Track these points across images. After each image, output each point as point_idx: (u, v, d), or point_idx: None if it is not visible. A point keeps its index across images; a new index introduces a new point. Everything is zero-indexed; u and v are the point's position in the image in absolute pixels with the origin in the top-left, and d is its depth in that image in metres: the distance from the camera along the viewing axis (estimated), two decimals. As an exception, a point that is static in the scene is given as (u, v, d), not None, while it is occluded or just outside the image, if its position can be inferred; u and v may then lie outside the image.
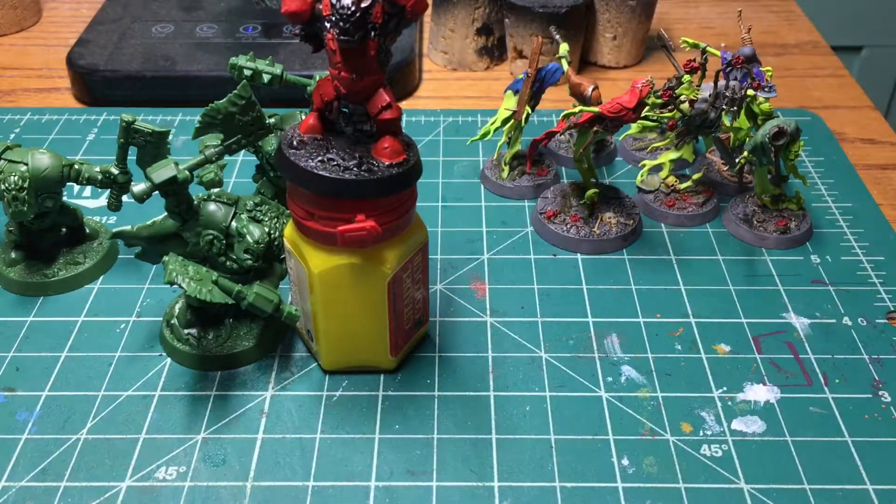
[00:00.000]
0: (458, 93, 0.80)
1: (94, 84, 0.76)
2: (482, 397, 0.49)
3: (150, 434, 0.47)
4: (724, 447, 0.47)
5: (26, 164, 0.52)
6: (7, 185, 0.51)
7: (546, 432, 0.47)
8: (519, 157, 0.67)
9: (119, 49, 0.78)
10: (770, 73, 0.60)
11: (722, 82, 0.57)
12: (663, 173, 0.62)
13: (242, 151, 0.57)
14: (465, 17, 0.80)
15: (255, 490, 0.45)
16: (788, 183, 0.64)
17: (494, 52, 0.83)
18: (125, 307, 0.55)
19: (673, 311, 0.55)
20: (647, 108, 0.57)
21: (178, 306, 0.53)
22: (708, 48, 0.58)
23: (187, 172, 0.45)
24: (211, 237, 0.48)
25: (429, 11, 0.82)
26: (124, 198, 0.55)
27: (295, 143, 0.44)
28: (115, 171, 0.53)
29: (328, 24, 0.41)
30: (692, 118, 0.58)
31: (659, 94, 0.57)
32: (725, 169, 0.66)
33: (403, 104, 0.78)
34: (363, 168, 0.43)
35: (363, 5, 0.40)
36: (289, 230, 0.48)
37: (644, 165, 0.62)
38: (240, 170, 0.68)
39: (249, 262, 0.48)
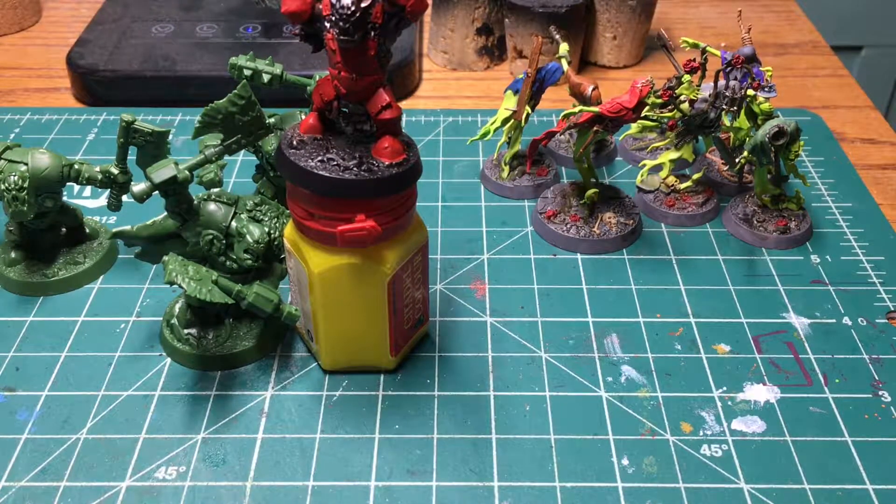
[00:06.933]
0: (458, 93, 0.80)
1: (94, 84, 0.76)
2: (482, 397, 0.49)
3: (150, 434, 0.47)
4: (724, 447, 0.47)
5: (26, 164, 0.52)
6: (7, 185, 0.51)
7: (546, 432, 0.47)
8: (519, 157, 0.67)
9: (119, 49, 0.78)
10: (770, 73, 0.60)
11: (722, 82, 0.57)
12: (663, 173, 0.62)
13: (242, 151, 0.57)
14: (465, 17, 0.80)
15: (254, 490, 0.45)
16: (788, 183, 0.64)
17: (494, 52, 0.83)
18: (125, 307, 0.55)
19: (673, 311, 0.55)
20: (647, 108, 0.57)
21: (178, 306, 0.53)
22: (708, 48, 0.58)
23: (187, 172, 0.45)
24: (211, 237, 0.48)
25: (429, 11, 0.82)
26: (124, 198, 0.55)
27: (295, 143, 0.44)
28: (115, 171, 0.53)
29: (328, 24, 0.41)
30: (692, 118, 0.58)
31: (659, 94, 0.57)
32: (725, 169, 0.66)
33: (403, 104, 0.78)
34: (363, 168, 0.43)
35: (363, 5, 0.40)
36: (289, 230, 0.48)
37: (644, 165, 0.63)
38: (240, 170, 0.68)
39: (249, 262, 0.48)
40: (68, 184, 0.54)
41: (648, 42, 0.85)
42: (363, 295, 0.47)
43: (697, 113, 0.58)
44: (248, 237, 0.48)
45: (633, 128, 0.61)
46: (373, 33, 0.41)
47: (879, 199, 0.65)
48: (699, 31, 0.90)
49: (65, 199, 0.56)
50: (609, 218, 0.61)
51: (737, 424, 0.48)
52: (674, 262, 0.59)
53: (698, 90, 0.58)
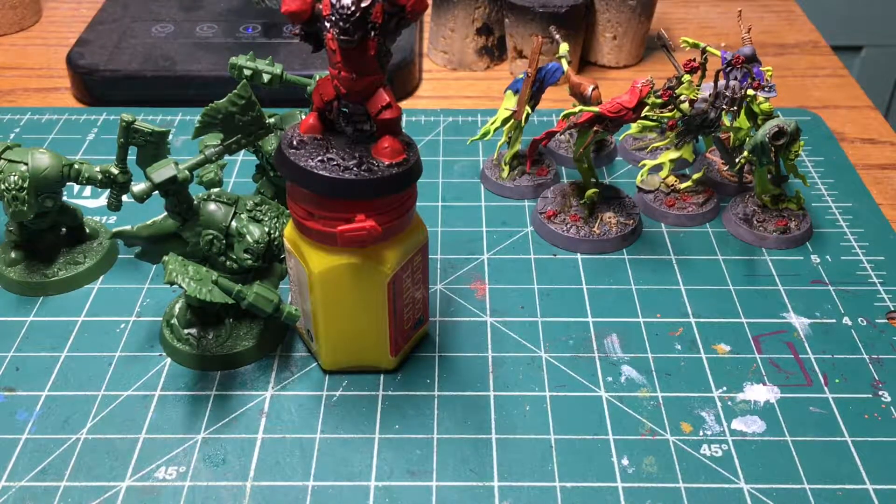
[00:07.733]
0: (458, 93, 0.80)
1: (94, 84, 0.76)
2: (482, 397, 0.49)
3: (150, 434, 0.47)
4: (724, 447, 0.47)
5: (26, 164, 0.52)
6: (7, 184, 0.51)
7: (546, 432, 0.47)
8: (519, 157, 0.67)
9: (119, 49, 0.78)
10: (770, 73, 0.60)
11: (722, 82, 0.57)
12: (663, 173, 0.62)
13: (242, 151, 0.57)
14: (465, 17, 0.80)
15: (254, 490, 0.45)
16: (788, 183, 0.64)
17: (494, 52, 0.83)
18: (125, 307, 0.55)
19: (673, 311, 0.55)
20: (647, 108, 0.57)
21: (178, 306, 0.53)
22: (708, 48, 0.58)
23: (187, 172, 0.45)
24: (211, 237, 0.48)
25: (429, 11, 0.82)
26: (124, 198, 0.55)
27: (295, 142, 0.44)
28: (115, 171, 0.53)
29: (328, 24, 0.41)
30: (692, 118, 0.58)
31: (659, 94, 0.57)
32: (725, 169, 0.66)
33: (403, 104, 0.78)
34: (363, 168, 0.43)
35: (363, 5, 0.40)
36: (289, 230, 0.48)
37: (644, 165, 0.63)
38: (240, 170, 0.68)
39: (249, 261, 0.48)
40: (68, 184, 0.54)
41: (648, 42, 0.85)
42: (363, 295, 0.47)
43: (697, 113, 0.58)
44: (248, 237, 0.48)
45: (633, 128, 0.61)
46: (373, 33, 0.41)
47: (879, 199, 0.65)
48: (699, 31, 0.90)
49: (65, 199, 0.56)
50: (609, 218, 0.61)
51: (737, 424, 0.48)
52: (674, 262, 0.59)
53: (698, 90, 0.58)
